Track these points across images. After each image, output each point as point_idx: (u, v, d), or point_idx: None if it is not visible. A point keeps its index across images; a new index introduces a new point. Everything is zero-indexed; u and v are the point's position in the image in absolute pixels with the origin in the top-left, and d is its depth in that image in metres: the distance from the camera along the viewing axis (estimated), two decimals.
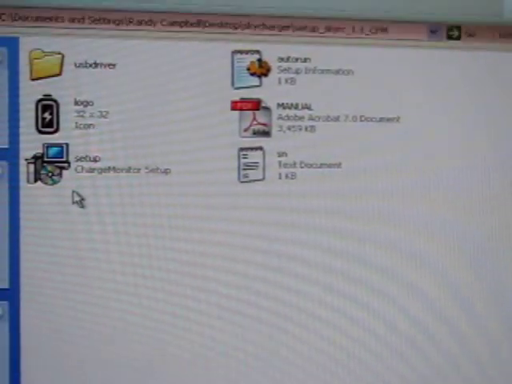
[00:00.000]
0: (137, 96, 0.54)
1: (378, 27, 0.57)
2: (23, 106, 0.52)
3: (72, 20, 0.53)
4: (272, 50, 0.55)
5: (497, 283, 0.58)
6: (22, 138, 0.52)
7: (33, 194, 0.53)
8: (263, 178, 0.55)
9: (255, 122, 0.55)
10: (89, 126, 0.53)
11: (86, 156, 0.53)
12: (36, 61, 0.52)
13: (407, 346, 0.57)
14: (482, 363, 0.58)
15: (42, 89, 0.53)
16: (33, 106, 0.53)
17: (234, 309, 0.55)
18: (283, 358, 0.56)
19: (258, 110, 0.55)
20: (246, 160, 0.55)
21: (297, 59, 0.56)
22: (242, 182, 0.55)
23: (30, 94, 0.52)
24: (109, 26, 0.53)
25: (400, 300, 0.57)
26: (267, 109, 0.55)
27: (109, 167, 0.53)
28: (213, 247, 0.54)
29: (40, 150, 0.53)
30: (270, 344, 0.55)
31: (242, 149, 0.55)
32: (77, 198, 0.53)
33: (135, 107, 0.54)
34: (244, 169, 0.55)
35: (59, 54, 0.53)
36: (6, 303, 0.52)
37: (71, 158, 0.53)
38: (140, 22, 0.54)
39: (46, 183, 0.53)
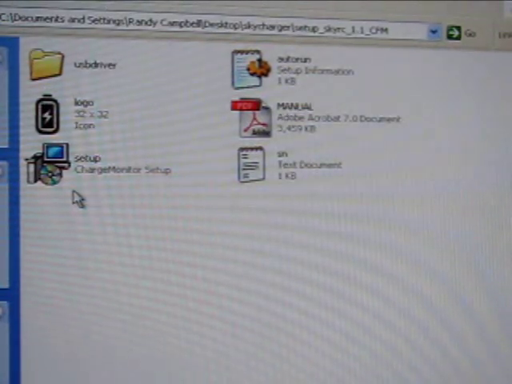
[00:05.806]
0: (137, 96, 0.54)
1: (378, 27, 0.57)
2: (23, 106, 0.52)
3: (72, 20, 0.53)
4: (272, 49, 0.55)
5: (497, 285, 0.58)
6: (22, 138, 0.52)
7: (33, 194, 0.53)
8: (263, 178, 0.55)
9: (255, 122, 0.55)
10: (89, 125, 0.53)
11: (86, 156, 0.53)
12: (36, 61, 0.52)
13: (407, 347, 0.57)
14: (482, 365, 0.58)
15: (42, 89, 0.53)
16: (33, 106, 0.53)
17: (234, 310, 0.55)
18: (284, 359, 0.56)
19: (258, 110, 0.55)
20: (246, 160, 0.55)
21: (297, 59, 0.56)
22: (241, 181, 0.55)
23: (30, 94, 0.52)
24: (109, 26, 0.54)
25: (399, 301, 0.57)
26: (267, 109, 0.55)
27: (109, 167, 0.53)
28: (212, 247, 0.54)
29: (40, 150, 0.53)
30: (270, 345, 0.55)
31: (242, 149, 0.55)
32: (77, 198, 0.53)
33: (135, 107, 0.54)
34: (244, 169, 0.55)
35: (59, 54, 0.53)
36: (5, 303, 0.52)
37: (71, 158, 0.53)
38: (140, 22, 0.54)
39: (46, 183, 0.53)
